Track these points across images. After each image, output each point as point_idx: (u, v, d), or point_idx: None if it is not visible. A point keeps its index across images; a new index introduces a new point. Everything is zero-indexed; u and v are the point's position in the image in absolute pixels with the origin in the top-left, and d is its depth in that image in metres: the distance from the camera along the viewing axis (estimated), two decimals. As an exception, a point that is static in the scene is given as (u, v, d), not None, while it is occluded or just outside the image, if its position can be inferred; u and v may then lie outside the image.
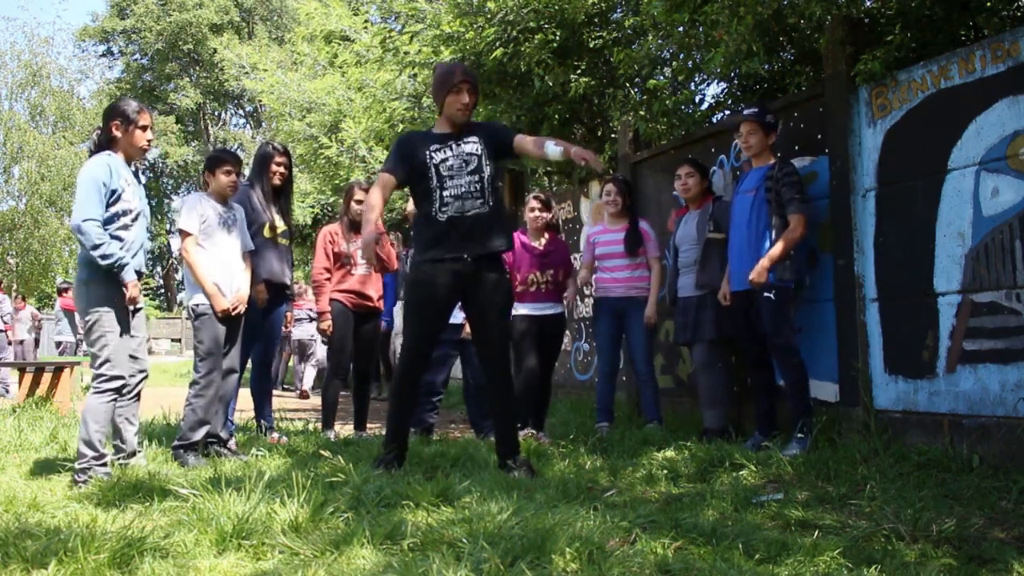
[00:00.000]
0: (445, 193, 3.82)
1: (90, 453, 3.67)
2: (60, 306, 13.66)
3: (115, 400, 3.78)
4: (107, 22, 35.40)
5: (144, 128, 3.88)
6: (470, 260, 3.81)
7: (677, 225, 5.12)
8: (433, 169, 3.84)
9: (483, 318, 3.91)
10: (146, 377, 4.01)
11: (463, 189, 3.83)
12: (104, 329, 3.71)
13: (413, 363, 3.92)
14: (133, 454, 3.99)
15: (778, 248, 4.22)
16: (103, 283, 3.73)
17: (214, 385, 4.22)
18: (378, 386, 10.11)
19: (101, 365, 3.72)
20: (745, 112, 4.56)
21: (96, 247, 3.65)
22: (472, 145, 3.88)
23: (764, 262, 4.23)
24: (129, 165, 3.90)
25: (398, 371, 3.98)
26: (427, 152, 3.85)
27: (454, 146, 3.87)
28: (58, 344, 13.50)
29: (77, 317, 13.41)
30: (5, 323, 12.40)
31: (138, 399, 4.04)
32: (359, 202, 5.37)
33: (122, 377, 3.75)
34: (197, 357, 4.27)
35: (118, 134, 3.83)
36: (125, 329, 3.78)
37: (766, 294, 4.23)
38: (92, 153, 3.86)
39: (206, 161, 4.60)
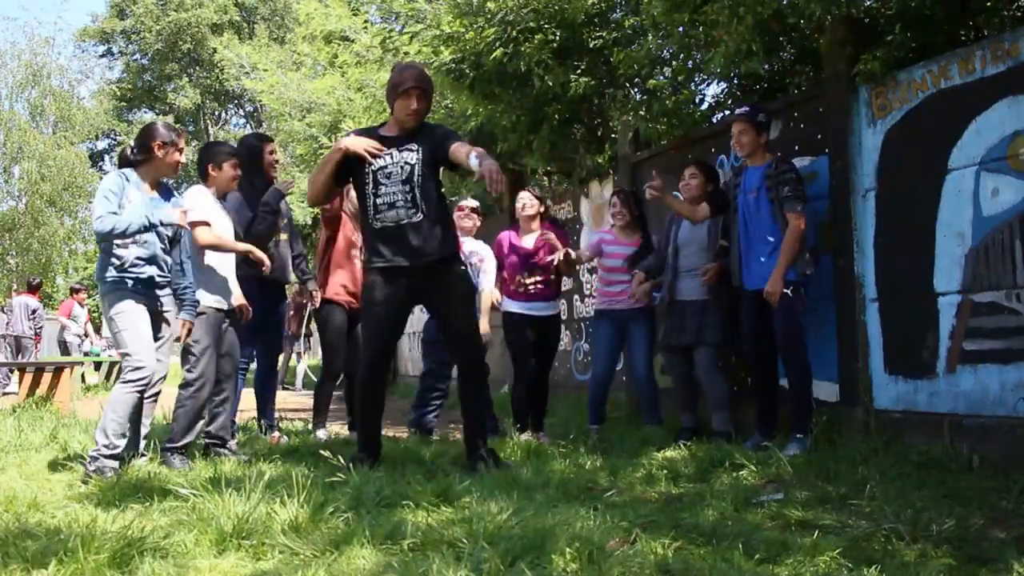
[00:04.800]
0: (378, 200, 3.81)
1: (101, 441, 3.72)
2: (62, 308, 13.75)
3: (140, 394, 3.84)
4: (107, 23, 35.32)
5: (180, 150, 4.03)
6: (410, 268, 3.79)
7: (678, 225, 4.99)
8: (371, 174, 3.81)
9: (445, 318, 3.94)
10: (162, 379, 4.08)
11: (393, 198, 3.79)
12: (122, 326, 3.84)
13: (372, 370, 3.90)
14: (134, 456, 3.99)
15: (784, 255, 4.21)
16: (117, 289, 3.87)
17: (208, 386, 4.18)
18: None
19: (125, 358, 3.84)
20: (736, 112, 4.62)
21: (121, 232, 3.76)
22: (411, 153, 3.83)
23: (777, 273, 4.21)
24: (164, 182, 4.06)
25: (360, 380, 3.95)
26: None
27: (395, 152, 3.82)
28: (61, 344, 13.48)
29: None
30: (36, 333, 12.46)
31: (154, 400, 4.14)
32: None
33: (144, 368, 3.82)
34: (192, 356, 4.20)
35: (160, 154, 3.95)
36: (144, 326, 3.89)
37: (783, 290, 4.21)
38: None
39: (210, 153, 4.43)
